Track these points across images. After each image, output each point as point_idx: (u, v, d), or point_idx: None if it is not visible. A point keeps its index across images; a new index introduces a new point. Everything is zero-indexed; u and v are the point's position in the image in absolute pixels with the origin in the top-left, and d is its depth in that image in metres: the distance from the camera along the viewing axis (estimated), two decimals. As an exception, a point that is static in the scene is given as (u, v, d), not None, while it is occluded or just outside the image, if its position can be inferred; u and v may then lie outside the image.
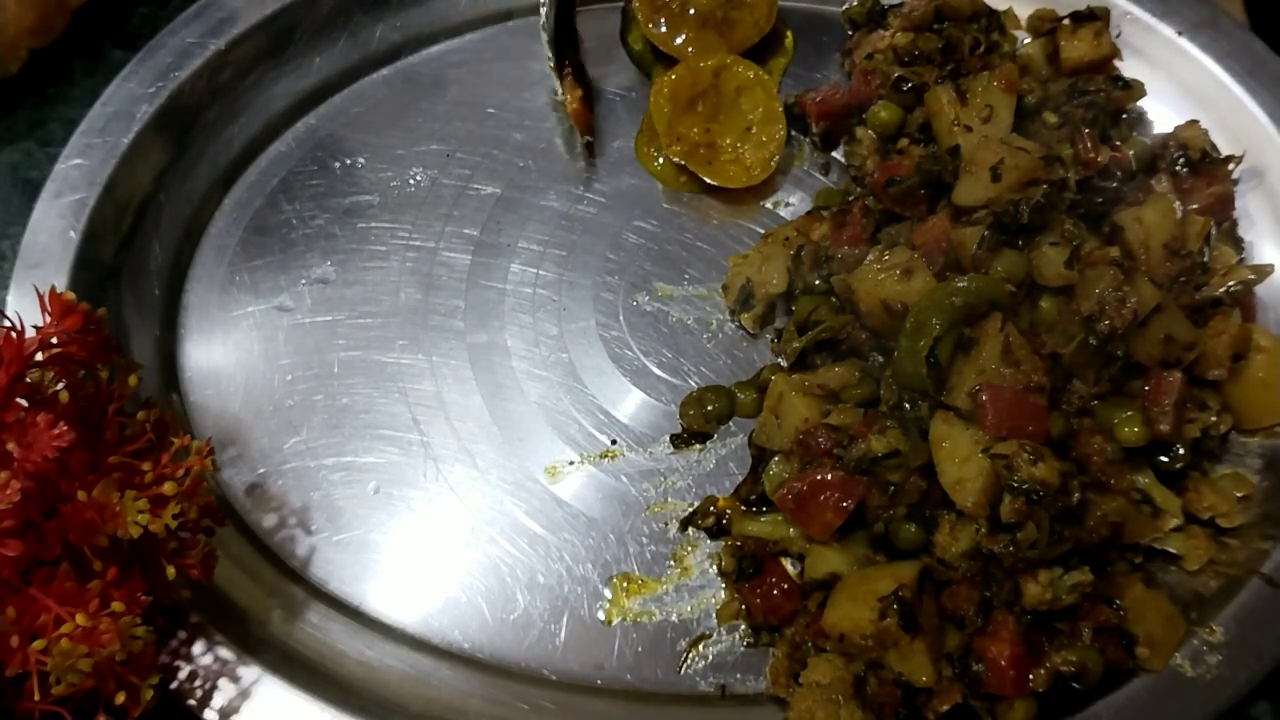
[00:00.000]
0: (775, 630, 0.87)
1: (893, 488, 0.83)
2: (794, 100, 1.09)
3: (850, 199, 1.02)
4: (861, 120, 1.05)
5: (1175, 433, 0.86)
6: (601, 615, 0.89)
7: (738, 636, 0.89)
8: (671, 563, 0.91)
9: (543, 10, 1.07)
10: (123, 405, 0.79)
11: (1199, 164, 0.99)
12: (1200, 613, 0.85)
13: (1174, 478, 0.88)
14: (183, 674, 0.82)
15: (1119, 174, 0.96)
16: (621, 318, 1.01)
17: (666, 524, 0.93)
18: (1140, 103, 1.04)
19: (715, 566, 0.91)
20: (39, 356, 0.76)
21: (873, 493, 0.83)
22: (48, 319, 0.76)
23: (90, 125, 1.02)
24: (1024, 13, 1.10)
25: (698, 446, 0.96)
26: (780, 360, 0.98)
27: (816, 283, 0.97)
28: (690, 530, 0.92)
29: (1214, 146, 1.01)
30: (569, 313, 1.02)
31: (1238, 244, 0.99)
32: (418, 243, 1.05)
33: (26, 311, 0.79)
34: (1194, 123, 1.02)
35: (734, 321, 1.01)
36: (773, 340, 1.00)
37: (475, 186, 1.08)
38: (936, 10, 1.07)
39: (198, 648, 0.83)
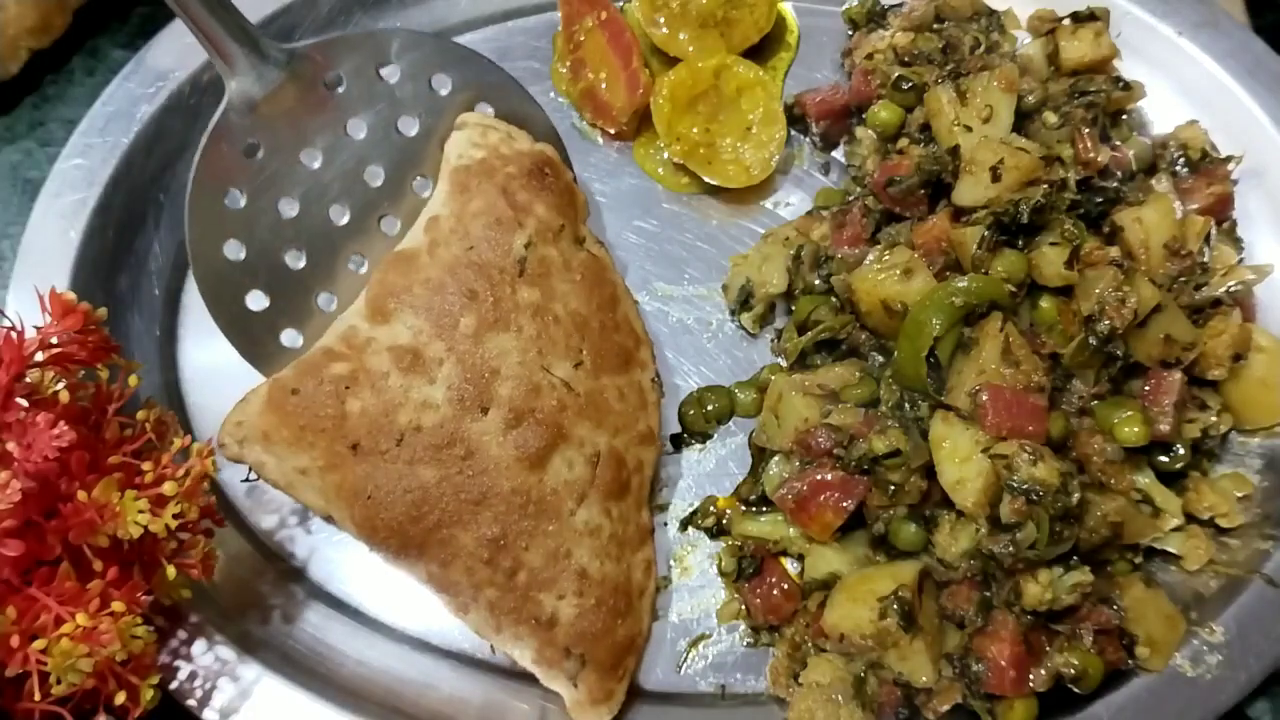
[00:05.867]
0: (775, 630, 0.87)
1: (893, 488, 0.83)
2: (794, 100, 1.09)
3: (850, 199, 1.02)
4: (861, 120, 1.05)
5: (1175, 433, 0.86)
6: (601, 615, 0.89)
7: (738, 636, 0.88)
8: (671, 563, 0.91)
9: None
10: (123, 405, 0.79)
11: (1199, 164, 0.99)
12: (1200, 613, 0.85)
13: (1174, 478, 0.88)
14: (183, 674, 0.82)
15: (1119, 174, 0.96)
16: (621, 318, 1.01)
17: (666, 524, 0.93)
18: (1140, 103, 1.04)
19: (715, 566, 0.91)
20: (39, 356, 0.76)
21: (873, 493, 0.83)
22: (48, 319, 0.76)
23: (90, 125, 1.01)
24: (1024, 13, 1.10)
25: (698, 446, 0.96)
26: (780, 360, 0.98)
27: (816, 283, 0.97)
28: (690, 530, 0.92)
29: (1214, 146, 1.01)
30: (569, 313, 1.02)
31: (1238, 244, 0.99)
32: (418, 243, 1.05)
33: (26, 311, 0.79)
34: (1194, 123, 1.02)
35: (734, 321, 1.01)
36: (773, 340, 1.00)
37: (475, 186, 1.08)
38: (936, 10, 1.07)
39: (198, 648, 0.83)
